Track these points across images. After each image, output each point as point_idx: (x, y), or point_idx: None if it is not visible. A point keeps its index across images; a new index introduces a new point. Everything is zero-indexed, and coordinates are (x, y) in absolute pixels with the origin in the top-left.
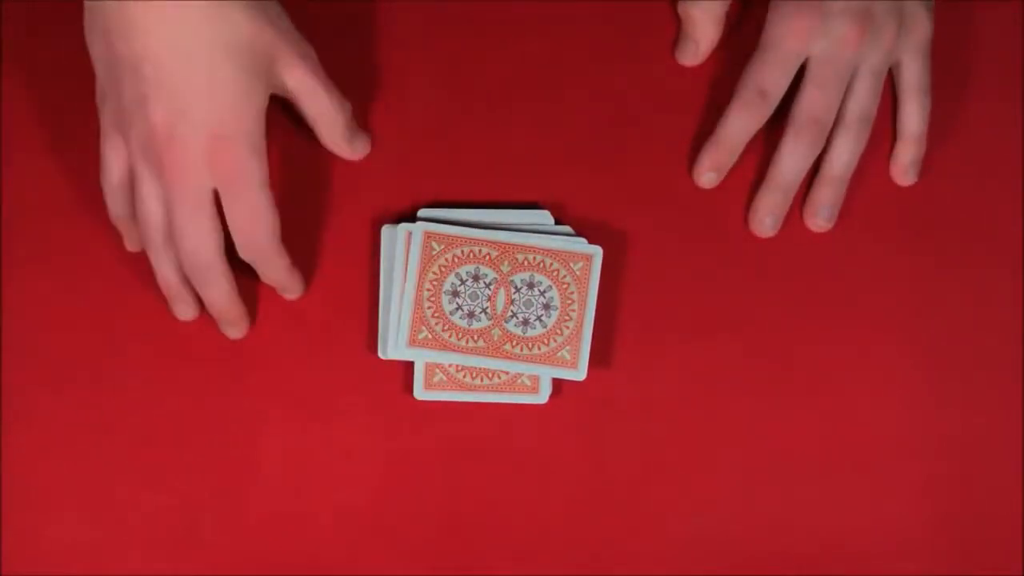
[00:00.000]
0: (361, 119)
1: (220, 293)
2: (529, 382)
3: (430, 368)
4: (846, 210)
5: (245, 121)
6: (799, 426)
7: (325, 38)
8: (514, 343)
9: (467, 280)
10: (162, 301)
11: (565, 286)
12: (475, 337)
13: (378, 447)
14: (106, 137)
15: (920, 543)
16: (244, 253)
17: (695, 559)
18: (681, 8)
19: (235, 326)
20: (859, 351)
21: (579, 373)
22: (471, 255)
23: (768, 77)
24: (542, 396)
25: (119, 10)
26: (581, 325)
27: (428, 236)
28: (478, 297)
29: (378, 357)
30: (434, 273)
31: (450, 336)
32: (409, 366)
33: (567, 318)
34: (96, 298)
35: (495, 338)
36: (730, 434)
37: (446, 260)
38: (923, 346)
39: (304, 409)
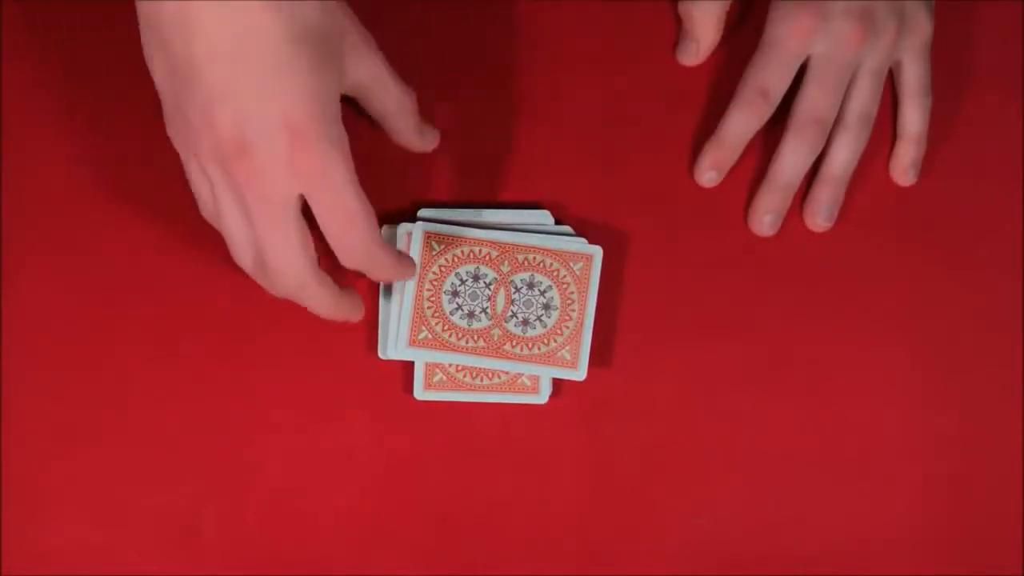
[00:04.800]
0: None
1: (323, 305)
2: (529, 382)
3: (430, 368)
4: (846, 210)
5: (323, 112)
6: (799, 426)
7: None
8: (514, 343)
9: (467, 280)
10: (162, 301)
11: (565, 286)
12: (475, 337)
13: (378, 447)
14: (186, 166)
15: (920, 543)
16: (346, 261)
17: (695, 559)
18: (681, 8)
19: (351, 317)
20: (859, 351)
21: (579, 373)
22: (471, 255)
23: (769, 77)
24: (542, 396)
25: (176, 12)
26: (581, 325)
27: (428, 236)
28: (478, 297)
29: (378, 357)
30: (434, 273)
31: (450, 336)
32: (409, 366)
33: (567, 318)
34: (96, 298)
35: (495, 338)
36: (730, 434)
37: (446, 260)
38: (923, 346)
39: (304, 409)
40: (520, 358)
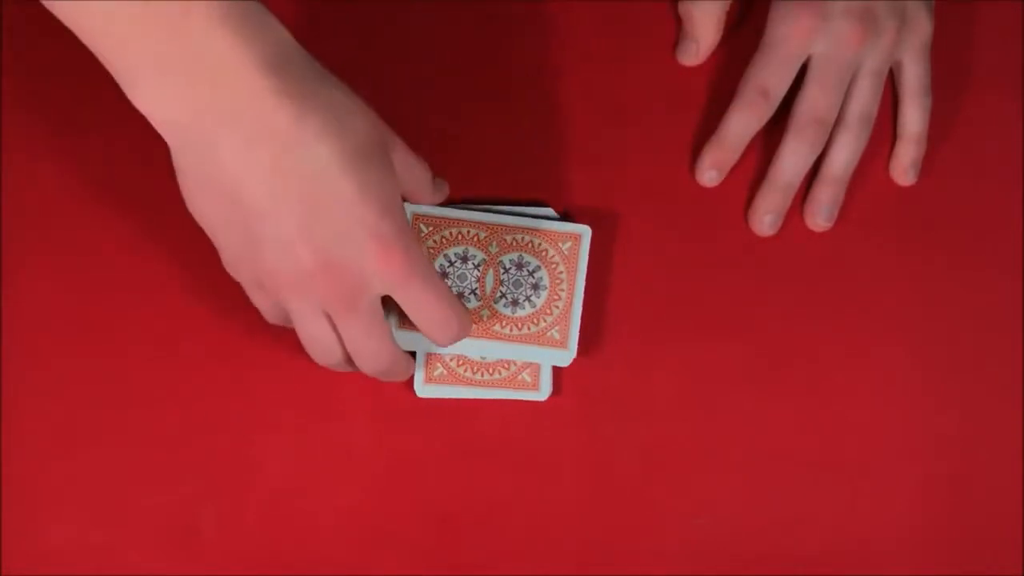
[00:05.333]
0: None
1: (398, 377)
2: (529, 378)
3: (431, 362)
4: (846, 210)
5: (397, 214)
6: (799, 426)
7: (325, 38)
8: (503, 323)
9: (455, 261)
10: (162, 301)
11: (554, 266)
12: None
13: (378, 447)
14: (252, 295)
15: (920, 543)
16: (443, 343)
17: (695, 559)
18: (681, 8)
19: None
20: (859, 351)
21: (569, 353)
22: (459, 236)
23: (770, 77)
24: (542, 393)
25: (234, 164)
26: (570, 305)
27: (417, 218)
28: (467, 278)
29: None
30: None
31: None
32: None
33: (556, 298)
34: (96, 298)
35: (484, 319)
36: (730, 433)
37: (434, 242)
38: (923, 346)
39: (304, 409)
40: (509, 338)
